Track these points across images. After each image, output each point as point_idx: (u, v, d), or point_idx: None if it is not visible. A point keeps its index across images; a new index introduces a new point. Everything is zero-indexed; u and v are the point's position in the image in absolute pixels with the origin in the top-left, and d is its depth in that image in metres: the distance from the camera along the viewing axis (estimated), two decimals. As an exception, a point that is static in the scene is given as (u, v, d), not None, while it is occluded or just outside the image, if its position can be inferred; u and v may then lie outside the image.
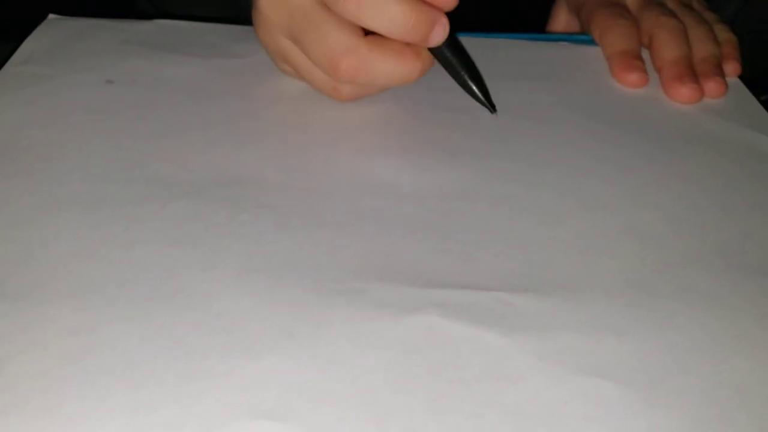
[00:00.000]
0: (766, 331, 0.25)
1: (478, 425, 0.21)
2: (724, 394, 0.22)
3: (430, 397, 0.22)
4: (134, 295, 0.24)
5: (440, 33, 0.30)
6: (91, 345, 0.22)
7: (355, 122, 0.34)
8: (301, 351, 0.23)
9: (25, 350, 0.22)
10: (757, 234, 0.29)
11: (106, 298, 0.24)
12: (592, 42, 0.41)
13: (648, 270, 0.27)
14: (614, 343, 0.24)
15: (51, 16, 0.41)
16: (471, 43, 0.39)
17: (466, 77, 0.32)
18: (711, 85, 0.38)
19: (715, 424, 0.21)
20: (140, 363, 0.22)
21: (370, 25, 0.29)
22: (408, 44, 0.30)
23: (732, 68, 0.40)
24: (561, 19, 0.47)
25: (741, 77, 0.40)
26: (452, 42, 0.31)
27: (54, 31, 0.39)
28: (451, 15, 0.30)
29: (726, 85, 0.38)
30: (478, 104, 0.32)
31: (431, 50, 0.31)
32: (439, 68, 0.32)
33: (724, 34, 0.41)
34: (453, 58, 0.31)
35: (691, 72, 0.38)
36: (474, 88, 0.32)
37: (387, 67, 0.30)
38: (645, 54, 0.40)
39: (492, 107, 0.32)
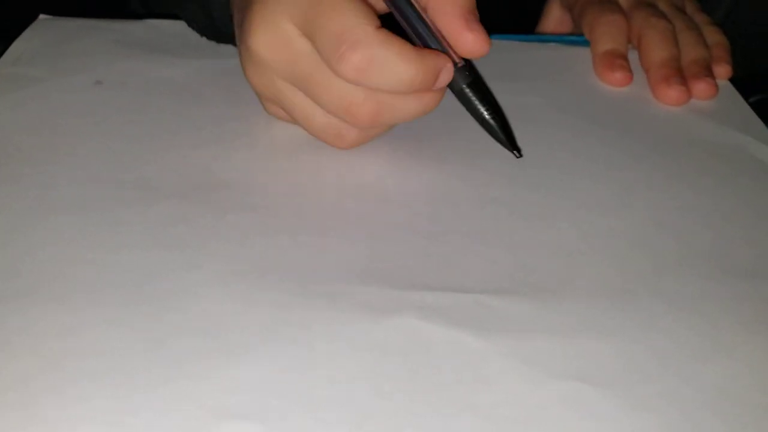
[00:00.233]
0: (747, 335, 0.25)
1: (453, 427, 0.21)
2: (704, 396, 0.22)
3: (406, 398, 0.22)
4: (117, 297, 0.24)
5: (445, 78, 0.28)
6: (74, 348, 0.23)
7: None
8: (279, 353, 0.23)
9: (9, 353, 0.22)
10: (742, 237, 0.29)
11: (89, 301, 0.24)
12: (582, 43, 0.41)
13: (631, 273, 0.27)
14: (594, 346, 0.24)
15: (41, 16, 0.41)
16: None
17: (485, 116, 0.30)
18: (701, 87, 0.38)
19: (696, 425, 0.21)
20: (120, 365, 0.22)
21: (376, 86, 0.27)
22: None
23: (723, 71, 0.40)
24: (554, 16, 0.47)
25: (731, 78, 0.40)
26: (473, 82, 0.29)
27: (44, 32, 0.39)
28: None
29: (716, 87, 0.38)
30: (463, 106, 0.32)
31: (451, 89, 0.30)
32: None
33: (715, 36, 0.41)
34: (473, 97, 0.29)
35: (678, 73, 0.38)
36: (495, 127, 0.30)
37: (407, 106, 0.28)
38: (634, 54, 0.40)
39: (517, 150, 0.31)
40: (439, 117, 0.34)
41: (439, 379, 0.22)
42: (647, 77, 0.38)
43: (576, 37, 0.42)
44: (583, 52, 0.40)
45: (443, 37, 0.28)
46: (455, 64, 0.28)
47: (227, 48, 0.38)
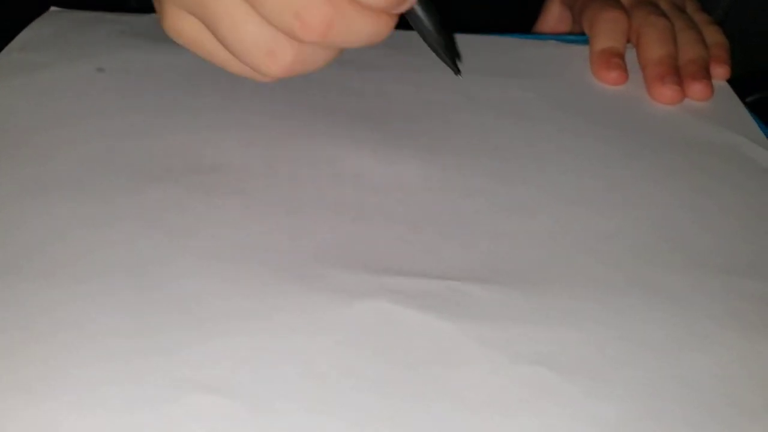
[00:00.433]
0: (722, 328, 0.25)
1: (420, 407, 0.21)
2: (669, 387, 0.23)
3: (374, 377, 0.22)
4: (101, 274, 0.25)
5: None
6: (58, 322, 0.23)
7: (330, 114, 0.34)
8: (252, 331, 0.23)
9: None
10: (723, 235, 0.29)
11: (75, 277, 0.25)
12: (581, 41, 0.41)
13: (611, 265, 0.27)
14: (562, 333, 0.24)
15: (53, 8, 0.43)
16: (458, 41, 0.39)
17: (432, 32, 0.27)
18: (696, 88, 0.38)
19: (656, 415, 0.22)
20: (95, 338, 0.23)
21: None
22: None
23: (721, 71, 0.39)
24: (553, 13, 0.47)
25: (729, 79, 0.40)
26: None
27: (53, 22, 0.41)
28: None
29: (712, 88, 0.38)
30: (455, 98, 0.33)
31: None
32: (415, 60, 0.33)
33: (715, 36, 0.41)
34: (424, 16, 0.27)
35: (673, 72, 0.38)
36: (437, 45, 0.28)
37: (362, 24, 0.24)
38: (633, 53, 0.40)
39: (456, 68, 0.29)
40: (427, 109, 0.35)
41: (407, 360, 0.23)
42: (643, 75, 0.38)
43: (574, 36, 0.42)
44: (581, 50, 0.41)
45: None
46: None
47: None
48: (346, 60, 0.30)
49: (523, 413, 0.21)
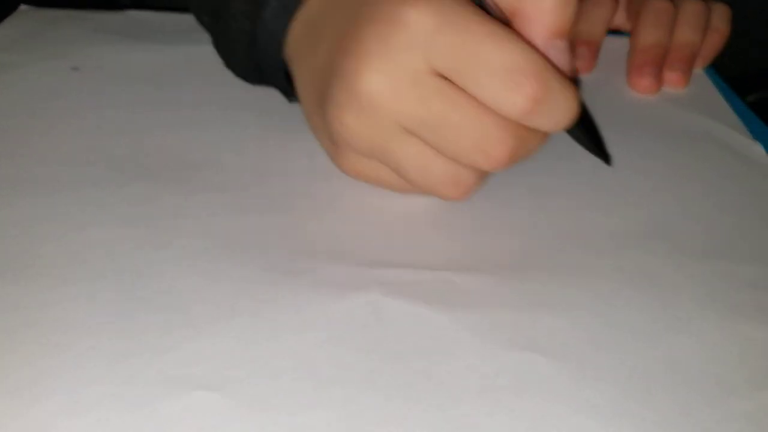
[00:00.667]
0: (701, 311, 0.25)
1: (412, 395, 0.21)
2: (656, 369, 0.23)
3: (366, 369, 0.22)
4: (84, 273, 0.25)
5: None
6: (40, 320, 0.23)
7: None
8: (242, 327, 0.23)
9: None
10: (701, 219, 0.30)
11: (57, 276, 0.25)
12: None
13: (592, 251, 0.28)
14: (550, 320, 0.24)
15: (22, 6, 0.42)
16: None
17: (585, 140, 0.28)
18: (671, 77, 0.38)
19: (644, 396, 0.22)
20: (85, 337, 0.23)
21: (539, 121, 0.24)
22: None
23: (700, 61, 0.40)
24: None
25: (729, 78, 0.40)
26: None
27: (23, 21, 0.40)
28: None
29: (686, 80, 0.38)
30: None
31: None
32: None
33: (717, 21, 0.41)
34: (579, 131, 0.28)
35: (654, 63, 0.38)
36: (589, 149, 0.29)
37: (535, 144, 0.26)
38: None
39: (607, 160, 0.30)
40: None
41: (398, 349, 0.23)
42: (627, 60, 0.39)
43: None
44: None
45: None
46: None
47: (202, 35, 0.39)
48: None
49: (516, 399, 0.22)
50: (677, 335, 0.24)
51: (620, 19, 0.43)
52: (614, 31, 0.43)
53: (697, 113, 0.36)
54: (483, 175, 0.27)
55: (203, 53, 0.38)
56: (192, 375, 0.22)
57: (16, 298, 0.24)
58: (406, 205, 0.29)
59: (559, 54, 0.25)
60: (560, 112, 0.24)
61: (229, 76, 0.36)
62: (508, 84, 0.23)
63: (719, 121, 0.36)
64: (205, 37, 0.39)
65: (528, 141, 0.25)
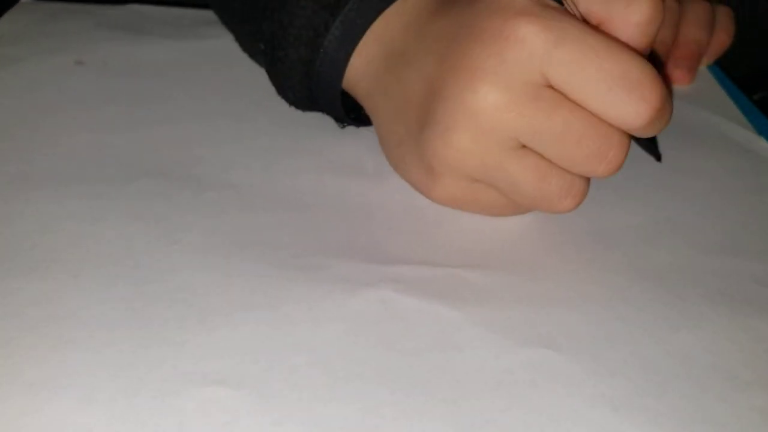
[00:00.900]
0: (714, 306, 0.25)
1: (427, 390, 0.22)
2: (669, 364, 0.23)
3: (381, 364, 0.22)
4: (96, 267, 0.25)
5: None
6: (53, 315, 0.23)
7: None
8: (257, 323, 0.23)
9: (-14, 320, 0.23)
10: (710, 214, 0.30)
11: (69, 271, 0.25)
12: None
13: (601, 247, 0.28)
14: (563, 315, 0.24)
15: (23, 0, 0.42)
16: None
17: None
18: (677, 74, 0.39)
19: (659, 390, 0.22)
20: (99, 332, 0.23)
21: (658, 125, 0.25)
22: None
23: (705, 59, 0.40)
24: None
25: (736, 76, 0.40)
26: None
27: (26, 15, 0.40)
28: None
29: (692, 77, 0.39)
30: None
31: None
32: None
33: (725, 22, 0.41)
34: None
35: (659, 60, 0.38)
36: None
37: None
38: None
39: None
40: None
41: (412, 346, 0.23)
42: None
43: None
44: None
45: None
46: None
47: (208, 30, 0.39)
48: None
49: (531, 394, 0.22)
50: (688, 330, 0.24)
51: None
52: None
53: (703, 110, 0.37)
54: (588, 183, 0.27)
55: (208, 48, 0.38)
56: (207, 370, 0.22)
57: (30, 294, 0.24)
58: (415, 202, 0.29)
59: None
60: (666, 120, 0.25)
61: (235, 71, 0.36)
62: (633, 95, 0.23)
63: (725, 117, 0.36)
64: (210, 32, 0.39)
65: (626, 143, 0.25)
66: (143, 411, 0.20)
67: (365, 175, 0.30)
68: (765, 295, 0.26)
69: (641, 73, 0.24)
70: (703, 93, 0.38)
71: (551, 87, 0.24)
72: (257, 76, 0.36)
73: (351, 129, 0.33)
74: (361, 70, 0.29)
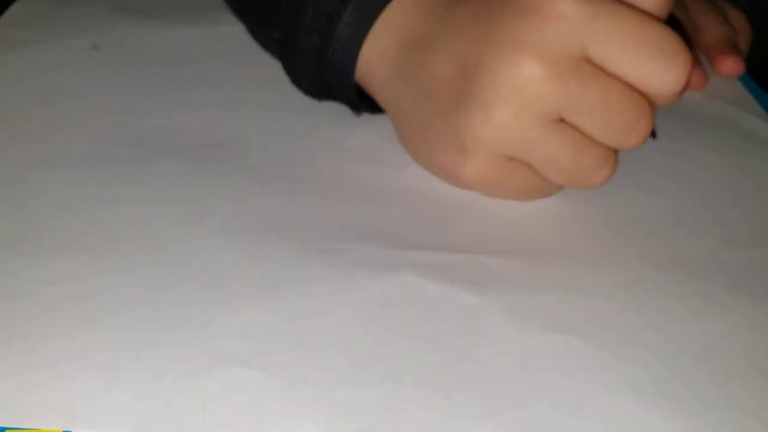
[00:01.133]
0: (734, 297, 0.25)
1: (450, 374, 0.22)
2: (692, 351, 0.23)
3: (404, 348, 0.22)
4: (118, 247, 0.25)
5: None
6: (75, 293, 0.23)
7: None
8: (281, 305, 0.23)
9: (9, 297, 0.23)
10: (730, 204, 0.30)
11: (90, 251, 0.25)
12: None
13: (621, 236, 0.28)
14: (584, 302, 0.24)
15: (38, -18, 0.41)
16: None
17: None
18: (727, 63, 0.39)
19: (682, 376, 0.22)
20: (123, 311, 0.22)
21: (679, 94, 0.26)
22: None
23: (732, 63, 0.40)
24: None
25: (752, 68, 0.40)
26: None
27: (40, -2, 0.40)
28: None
29: (743, 63, 0.38)
30: None
31: None
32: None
33: (740, 23, 0.42)
34: None
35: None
36: None
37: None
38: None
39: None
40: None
41: (435, 330, 0.23)
42: None
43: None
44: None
45: None
46: None
47: (224, 14, 0.39)
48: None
49: (556, 379, 0.22)
50: (711, 318, 0.24)
51: None
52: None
53: (720, 101, 0.37)
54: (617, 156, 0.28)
55: (225, 32, 0.37)
56: (231, 351, 0.22)
57: (51, 272, 0.24)
58: (436, 189, 0.29)
59: None
60: (685, 87, 0.25)
61: (250, 56, 0.36)
62: (668, 63, 0.24)
63: (742, 109, 0.36)
64: (226, 16, 0.38)
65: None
66: (167, 390, 0.20)
67: (384, 162, 0.30)
68: (786, 284, 0.26)
69: (674, 41, 0.25)
70: (720, 85, 0.38)
71: (587, 60, 0.25)
72: (274, 61, 0.36)
73: (367, 117, 0.32)
74: (375, 61, 0.29)
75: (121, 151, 0.29)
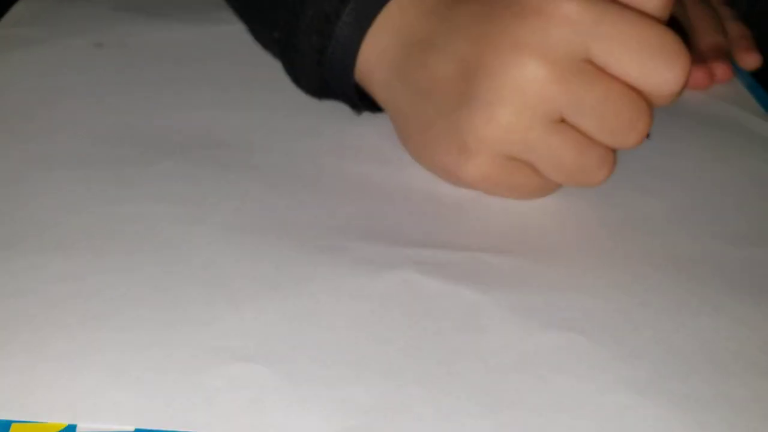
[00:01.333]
0: (732, 296, 0.26)
1: (452, 371, 0.22)
2: (690, 349, 0.23)
3: (406, 345, 0.22)
4: (120, 246, 0.25)
5: None
6: (78, 292, 0.23)
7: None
8: (282, 302, 0.23)
9: (11, 295, 0.23)
10: (730, 203, 0.30)
11: (93, 249, 0.25)
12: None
13: (621, 235, 0.28)
14: (585, 301, 0.25)
15: (41, -19, 0.41)
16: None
17: None
18: (720, 68, 0.39)
19: (681, 375, 0.22)
20: (126, 309, 0.23)
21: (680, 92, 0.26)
22: None
23: (752, 60, 0.40)
24: None
25: (754, 72, 0.41)
26: None
27: (42, -3, 0.40)
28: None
29: (732, 70, 0.38)
30: None
31: None
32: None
33: (738, 29, 0.42)
34: None
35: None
36: None
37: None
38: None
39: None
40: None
41: (437, 327, 0.23)
42: None
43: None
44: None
45: None
46: None
47: (227, 13, 0.39)
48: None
49: (555, 376, 0.22)
50: (710, 317, 0.25)
51: None
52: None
53: (721, 101, 0.37)
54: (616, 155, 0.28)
55: (224, 32, 0.38)
56: (234, 348, 0.22)
57: (54, 271, 0.24)
58: (437, 187, 0.29)
59: None
60: (684, 87, 0.26)
61: (251, 55, 0.36)
62: (668, 63, 0.25)
63: (742, 108, 0.36)
64: (229, 16, 0.39)
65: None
66: (171, 386, 0.20)
67: (385, 160, 0.30)
68: (786, 283, 0.26)
69: (674, 41, 0.25)
70: (720, 85, 0.38)
71: (588, 60, 0.25)
72: (275, 61, 0.36)
73: (368, 116, 0.33)
74: (374, 60, 0.29)
75: (122, 151, 0.29)
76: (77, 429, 0.19)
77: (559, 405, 0.21)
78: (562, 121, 0.26)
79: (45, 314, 0.22)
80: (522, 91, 0.25)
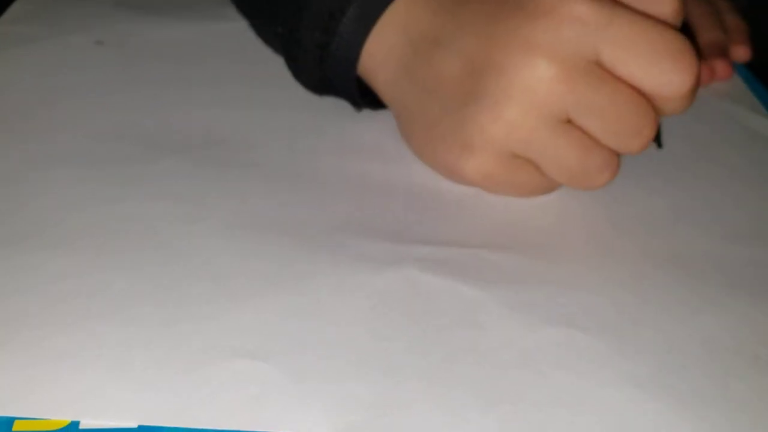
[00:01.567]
0: (733, 294, 0.26)
1: (453, 367, 0.22)
2: (691, 346, 0.23)
3: (407, 341, 0.22)
4: (121, 244, 0.25)
5: None
6: (80, 290, 0.23)
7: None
8: (284, 299, 0.24)
9: (13, 293, 0.23)
10: (730, 202, 0.30)
11: (94, 247, 0.25)
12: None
13: (622, 233, 0.28)
14: (586, 298, 0.25)
15: (40, -21, 0.41)
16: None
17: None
18: (720, 65, 0.39)
19: (681, 371, 0.22)
20: (127, 307, 0.23)
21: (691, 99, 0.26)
22: None
23: (742, 52, 0.40)
24: None
25: (752, 64, 0.41)
26: None
27: (43, -6, 0.40)
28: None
29: (732, 68, 0.39)
30: None
31: None
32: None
33: (734, 22, 0.42)
34: None
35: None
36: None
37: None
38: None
39: (659, 144, 0.32)
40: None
41: (437, 324, 0.23)
42: None
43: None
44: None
45: None
46: None
47: (228, 10, 0.39)
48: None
49: (556, 371, 0.22)
50: (710, 314, 0.25)
51: None
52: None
53: (721, 99, 0.37)
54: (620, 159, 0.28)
55: (224, 30, 0.38)
56: (236, 344, 0.22)
57: (55, 269, 0.24)
58: (437, 185, 0.29)
59: None
60: (695, 92, 0.26)
61: (252, 53, 0.36)
62: (676, 66, 0.25)
63: (742, 105, 0.36)
64: (230, 13, 0.39)
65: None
66: (173, 382, 0.21)
67: (386, 157, 0.30)
68: (785, 280, 0.26)
69: (683, 45, 0.25)
70: (720, 82, 0.38)
71: (597, 62, 0.25)
72: (276, 58, 0.36)
73: (368, 113, 0.33)
74: (380, 58, 0.29)
75: (123, 149, 0.29)
76: (80, 425, 0.19)
77: (559, 400, 0.21)
78: (568, 122, 0.26)
79: (47, 312, 0.22)
80: (531, 90, 0.25)
